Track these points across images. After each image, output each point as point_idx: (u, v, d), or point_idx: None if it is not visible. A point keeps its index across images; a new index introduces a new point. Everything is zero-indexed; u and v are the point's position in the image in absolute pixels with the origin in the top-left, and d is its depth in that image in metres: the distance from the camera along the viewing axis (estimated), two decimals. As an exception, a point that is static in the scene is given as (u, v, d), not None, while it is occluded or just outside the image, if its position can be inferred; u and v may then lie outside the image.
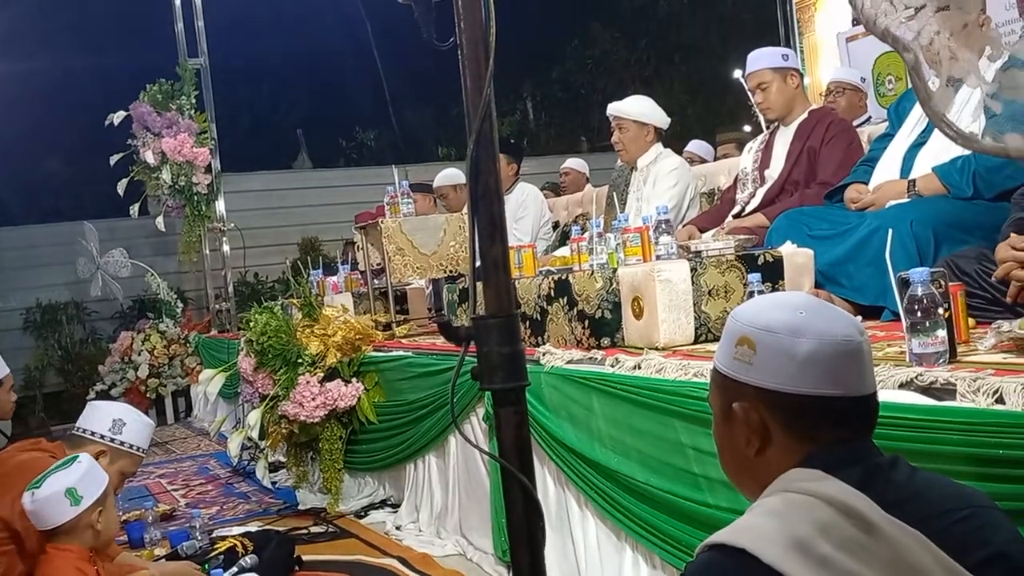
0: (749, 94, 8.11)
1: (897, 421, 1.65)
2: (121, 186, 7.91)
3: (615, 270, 2.96)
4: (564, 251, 4.62)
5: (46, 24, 14.57)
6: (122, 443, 3.05)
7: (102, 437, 3.04)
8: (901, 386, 1.79)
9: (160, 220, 8.12)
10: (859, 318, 2.77)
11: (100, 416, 3.09)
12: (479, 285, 1.33)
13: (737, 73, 8.56)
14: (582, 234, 3.46)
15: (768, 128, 4.23)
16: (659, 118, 4.61)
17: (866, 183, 3.30)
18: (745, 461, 1.31)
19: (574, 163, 8.22)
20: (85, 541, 2.61)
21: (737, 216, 4.05)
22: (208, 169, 7.99)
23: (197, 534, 3.71)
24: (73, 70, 14.22)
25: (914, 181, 3.06)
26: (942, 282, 1.91)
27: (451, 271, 4.87)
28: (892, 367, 1.87)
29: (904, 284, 1.88)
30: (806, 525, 1.13)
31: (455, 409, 3.14)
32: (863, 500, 1.16)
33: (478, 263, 1.32)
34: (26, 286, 9.94)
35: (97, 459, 2.75)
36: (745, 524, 1.18)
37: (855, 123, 4.71)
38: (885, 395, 1.64)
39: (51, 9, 14.08)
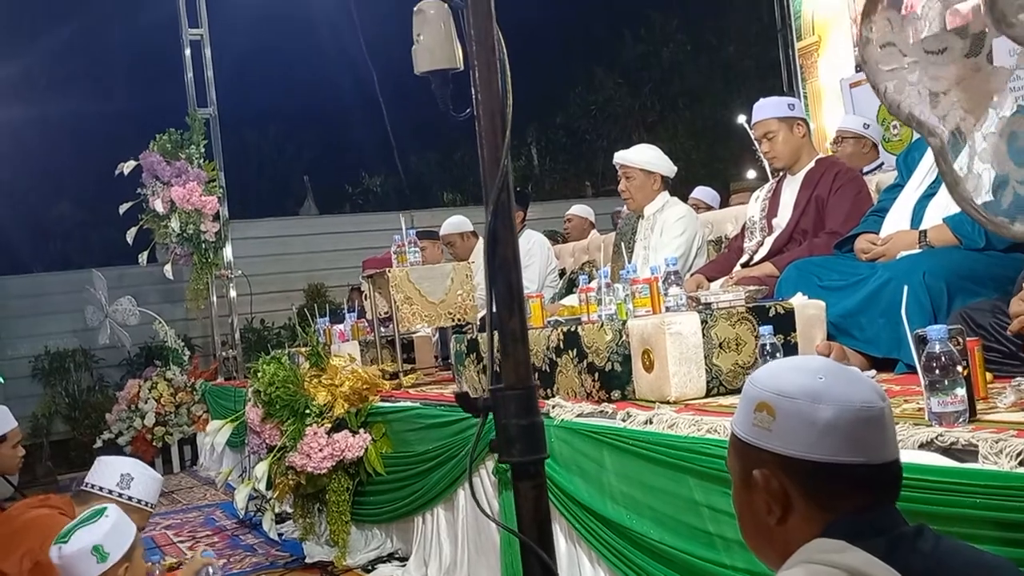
0: (755, 142, 8.14)
1: (919, 483, 1.62)
2: (130, 234, 7.95)
3: (625, 322, 2.95)
4: (572, 299, 4.62)
5: (58, 72, 14.77)
6: (130, 498, 3.04)
7: (110, 492, 3.03)
8: (921, 446, 1.77)
9: (168, 268, 8.15)
10: (873, 372, 2.76)
11: (109, 471, 3.08)
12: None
13: (741, 119, 8.59)
14: (590, 283, 3.45)
15: (775, 176, 4.24)
16: (666, 166, 4.62)
17: (876, 233, 3.29)
18: (766, 529, 1.28)
19: (578, 209, 8.20)
20: None
21: (745, 265, 4.04)
22: (216, 217, 8.02)
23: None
24: (84, 118, 14.38)
25: (925, 232, 3.05)
26: (959, 339, 1.89)
27: (459, 319, 4.85)
28: (912, 426, 1.84)
29: (922, 341, 1.86)
30: (831, 599, 1.11)
31: (470, 474, 3.09)
32: (888, 572, 1.13)
33: (495, 333, 1.30)
34: (35, 333, 9.96)
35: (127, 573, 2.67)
36: (769, 597, 1.16)
37: (864, 170, 4.71)
38: (906, 455, 1.61)
39: (64, 58, 14.28)
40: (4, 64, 12.42)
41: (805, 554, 1.20)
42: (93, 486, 3.04)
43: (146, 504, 3.08)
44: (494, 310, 1.30)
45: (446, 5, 1.46)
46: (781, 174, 4.12)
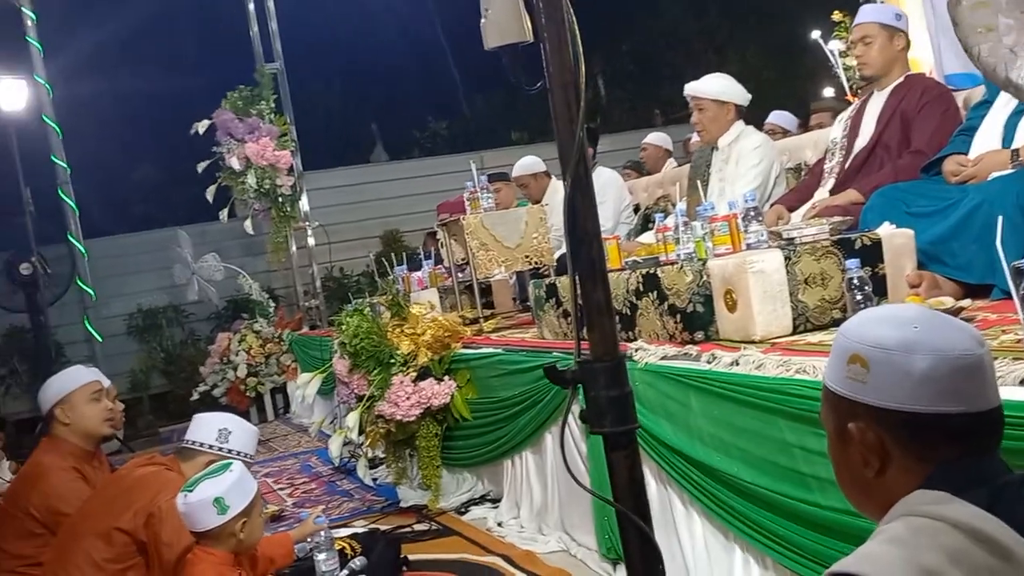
0: (829, 55, 7.85)
1: (1020, 420, 1.58)
2: (210, 192, 8.14)
3: (704, 262, 2.91)
4: (648, 237, 4.57)
5: (130, 42, 15.02)
6: (230, 451, 3.12)
7: (210, 448, 3.12)
8: (1022, 382, 1.71)
9: (248, 223, 8.33)
10: (968, 300, 2.67)
11: (206, 427, 3.17)
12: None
13: (816, 34, 8.29)
14: (665, 221, 3.41)
15: (854, 93, 4.08)
16: (739, 95, 4.50)
17: (965, 154, 3.17)
18: (864, 482, 1.27)
19: (653, 138, 8.02)
20: (228, 547, 2.68)
21: (829, 191, 3.92)
22: (290, 170, 8.15)
23: (322, 543, 3.76)
24: (158, 83, 14.63)
25: (1018, 151, 2.92)
26: (1059, 269, 1.82)
27: (535, 263, 4.86)
28: (1012, 361, 1.79)
29: (1019, 274, 1.80)
30: (934, 553, 1.09)
31: (562, 443, 3.11)
32: (994, 523, 1.11)
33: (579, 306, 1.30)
34: (127, 292, 10.32)
35: (243, 530, 2.73)
36: (869, 552, 1.14)
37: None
38: (1005, 392, 1.57)
39: (134, 26, 14.50)
40: (77, 40, 12.69)
41: (906, 506, 1.18)
42: (193, 442, 3.14)
43: (245, 455, 3.16)
44: (577, 284, 1.29)
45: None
46: (868, 94, 3.97)
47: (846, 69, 7.42)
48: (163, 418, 9.70)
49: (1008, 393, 1.67)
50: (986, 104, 3.24)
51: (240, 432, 3.20)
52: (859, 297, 2.44)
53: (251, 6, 8.93)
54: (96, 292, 9.61)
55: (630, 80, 16.54)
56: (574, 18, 1.27)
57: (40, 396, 3.64)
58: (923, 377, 1.18)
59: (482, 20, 1.41)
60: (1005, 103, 3.12)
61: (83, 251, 9.48)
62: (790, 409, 2.14)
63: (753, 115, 4.66)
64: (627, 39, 16.44)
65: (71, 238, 9.45)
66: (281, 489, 5.47)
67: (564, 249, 5.33)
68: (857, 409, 1.24)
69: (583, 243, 1.28)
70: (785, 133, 6.46)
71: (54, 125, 9.31)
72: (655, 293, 3.07)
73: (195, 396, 8.71)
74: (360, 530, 4.00)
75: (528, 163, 6.24)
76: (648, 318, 3.13)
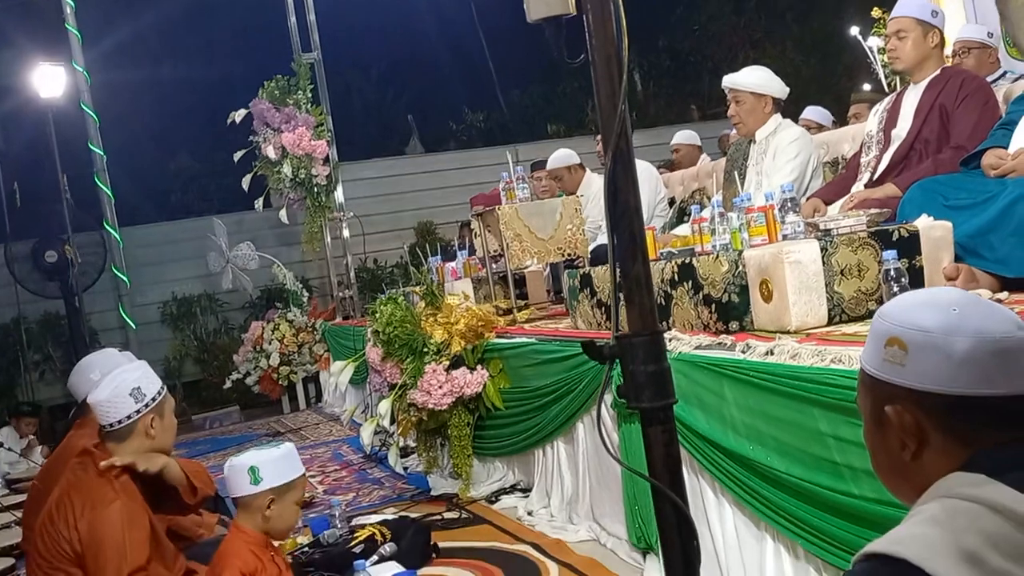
0: (868, 51, 7.76)
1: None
2: (245, 181, 8.23)
3: (740, 252, 2.90)
4: (683, 229, 4.56)
5: (167, 33, 15.19)
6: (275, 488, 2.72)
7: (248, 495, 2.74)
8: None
9: (283, 212, 8.41)
10: (1005, 293, 2.65)
11: (238, 476, 2.73)
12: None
13: (854, 30, 8.21)
14: (702, 213, 3.40)
15: (891, 88, 4.04)
16: (777, 88, 4.47)
17: (1005, 148, 3.13)
18: (901, 465, 1.26)
19: (682, 137, 7.95)
20: (256, 524, 2.66)
21: (866, 184, 3.89)
22: (326, 160, 8.21)
23: (337, 522, 3.83)
24: (195, 72, 14.79)
25: (1059, 144, 2.88)
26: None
27: (569, 254, 4.87)
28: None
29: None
30: (973, 535, 1.08)
31: (599, 420, 3.11)
32: (1033, 507, 1.10)
33: (619, 281, 1.31)
34: (162, 280, 10.44)
35: (270, 508, 2.66)
36: (906, 533, 1.14)
37: (988, 80, 4.46)
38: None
39: (172, 15, 14.66)
40: (115, 28, 12.85)
41: (942, 488, 1.17)
42: (235, 498, 2.78)
43: (291, 480, 2.75)
44: (616, 258, 1.29)
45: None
46: (904, 86, 3.93)
47: (884, 66, 7.35)
48: (196, 406, 9.81)
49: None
50: (1028, 98, 3.20)
51: (269, 466, 2.75)
52: (896, 289, 2.42)
53: (289, -3, 8.99)
54: (131, 280, 9.73)
55: (666, 75, 16.45)
56: (617, -11, 1.28)
57: (72, 380, 3.53)
58: (963, 359, 1.18)
59: (526, -9, 1.41)
60: (1048, 96, 3.07)
61: (119, 239, 9.60)
62: (825, 399, 2.14)
63: (788, 111, 4.62)
64: (663, 34, 16.35)
65: (107, 225, 9.58)
66: (312, 476, 5.52)
67: (599, 241, 5.30)
68: (895, 391, 1.23)
69: (624, 216, 1.29)
70: (820, 128, 6.40)
71: (91, 113, 9.43)
72: (690, 283, 3.06)
73: (228, 384, 8.83)
74: (390, 517, 4.04)
75: (563, 155, 6.25)
76: (683, 308, 3.13)
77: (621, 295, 1.33)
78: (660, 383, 1.33)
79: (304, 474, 2.78)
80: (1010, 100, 3.54)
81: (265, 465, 2.64)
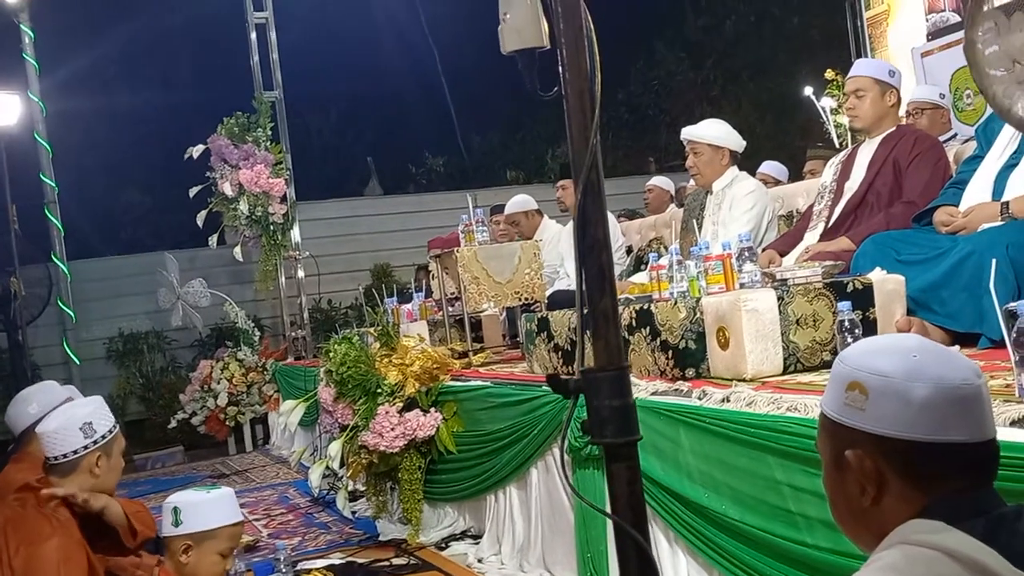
0: (821, 111, 7.95)
1: (1011, 461, 1.58)
2: (200, 217, 8.12)
3: (698, 299, 2.92)
4: (641, 277, 4.59)
5: (126, 62, 15.07)
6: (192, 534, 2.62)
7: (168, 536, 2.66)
8: (1013, 424, 1.72)
9: (238, 250, 8.31)
10: (955, 348, 2.69)
11: (165, 516, 2.66)
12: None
13: (808, 91, 8.42)
14: (659, 260, 3.43)
15: (844, 146, 4.15)
16: (734, 141, 4.56)
17: (956, 205, 3.21)
18: (860, 511, 1.26)
19: (659, 180, 8.04)
20: (175, 566, 2.59)
21: (821, 234, 3.96)
22: (283, 199, 8.16)
23: (282, 566, 3.73)
24: (152, 105, 14.68)
25: (1007, 203, 2.96)
26: (1051, 314, 1.83)
27: (526, 299, 4.87)
28: (1002, 403, 1.80)
29: (1011, 316, 1.81)
30: (931, 582, 1.09)
31: (562, 458, 3.09)
32: (990, 554, 1.11)
33: (585, 314, 1.30)
34: (109, 316, 10.19)
35: (187, 554, 2.55)
36: (865, 579, 1.14)
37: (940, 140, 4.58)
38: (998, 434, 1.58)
39: (131, 47, 14.57)
40: (73, 59, 12.72)
41: (901, 535, 1.18)
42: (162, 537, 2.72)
43: (220, 526, 2.63)
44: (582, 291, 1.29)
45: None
46: (859, 141, 4.03)
47: (837, 126, 7.54)
48: (138, 446, 9.55)
49: (1000, 435, 1.67)
50: (977, 159, 3.30)
51: (191, 510, 2.61)
52: (850, 339, 2.45)
53: (253, 35, 8.99)
54: (78, 314, 9.51)
55: (625, 127, 16.68)
56: (592, 25, 1.29)
57: (9, 413, 3.26)
58: (923, 405, 1.19)
59: (500, 25, 1.43)
60: (996, 157, 3.17)
61: (66, 272, 9.41)
62: (780, 446, 2.14)
63: (743, 167, 4.71)
64: (622, 88, 16.61)
65: (55, 258, 9.39)
66: (257, 520, 5.39)
67: (556, 286, 5.29)
68: (855, 436, 1.24)
69: (593, 249, 1.29)
70: (776, 183, 6.52)
71: (45, 143, 9.30)
72: (648, 329, 3.07)
73: (173, 424, 8.62)
74: (337, 562, 3.96)
75: (521, 200, 6.29)
76: (640, 354, 3.13)
77: (588, 330, 1.32)
78: (625, 419, 1.32)
79: (238, 523, 2.63)
80: (960, 160, 3.64)
81: (188, 508, 2.52)
